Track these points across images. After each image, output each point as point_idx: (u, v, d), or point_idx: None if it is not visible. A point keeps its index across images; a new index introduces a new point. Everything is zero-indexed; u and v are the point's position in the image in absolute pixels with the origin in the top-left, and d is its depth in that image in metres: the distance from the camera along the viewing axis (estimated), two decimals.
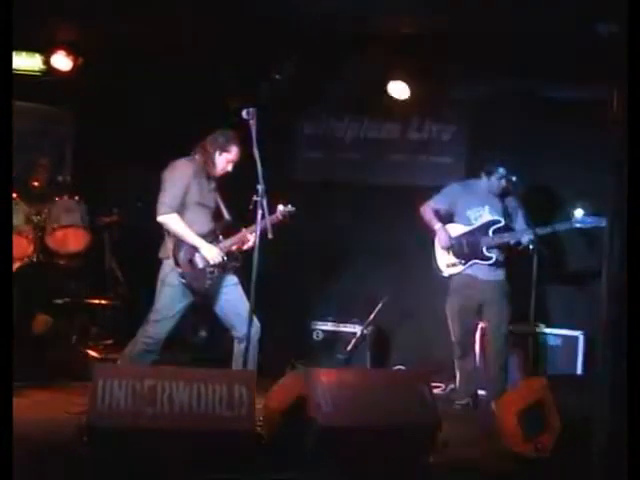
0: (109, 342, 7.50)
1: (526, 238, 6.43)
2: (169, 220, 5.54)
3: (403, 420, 4.70)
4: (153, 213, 5.58)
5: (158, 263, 5.66)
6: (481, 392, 6.74)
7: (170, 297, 5.61)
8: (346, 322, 7.67)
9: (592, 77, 5.61)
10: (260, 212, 5.30)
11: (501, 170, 6.61)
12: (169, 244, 5.58)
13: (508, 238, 6.59)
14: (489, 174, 6.67)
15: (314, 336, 7.67)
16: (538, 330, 6.94)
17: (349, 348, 7.43)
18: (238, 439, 4.34)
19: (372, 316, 7.48)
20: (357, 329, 7.52)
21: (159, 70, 7.50)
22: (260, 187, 5.28)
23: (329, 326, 7.69)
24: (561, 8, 5.76)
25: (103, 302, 7.77)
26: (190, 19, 6.65)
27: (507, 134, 7.50)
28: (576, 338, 7.02)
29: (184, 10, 6.48)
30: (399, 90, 7.58)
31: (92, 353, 7.16)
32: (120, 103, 7.78)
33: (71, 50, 7.47)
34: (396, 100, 7.67)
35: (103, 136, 7.95)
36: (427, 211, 6.84)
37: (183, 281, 5.54)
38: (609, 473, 3.06)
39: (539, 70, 6.95)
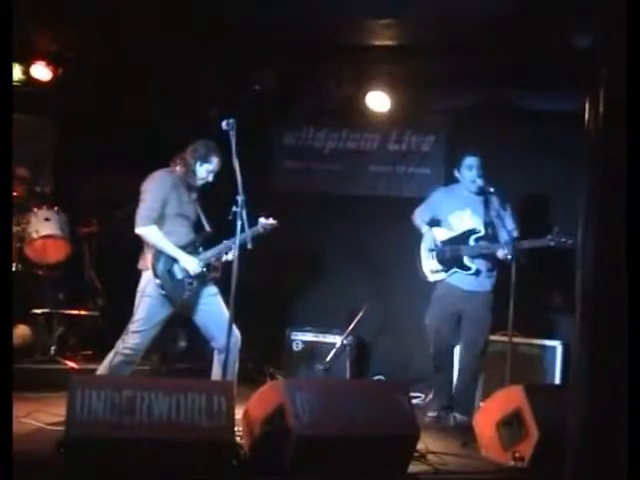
0: (88, 353, 7.47)
1: (501, 253, 6.40)
2: (147, 232, 5.54)
3: (381, 430, 4.72)
4: (132, 224, 5.58)
5: (137, 274, 5.65)
6: None
7: (149, 308, 5.58)
8: (326, 332, 7.65)
9: (573, 87, 5.67)
10: (240, 223, 5.30)
11: (468, 160, 6.58)
12: (148, 255, 5.57)
13: (486, 250, 6.54)
14: (459, 168, 6.67)
15: (294, 346, 7.66)
16: (516, 340, 6.94)
17: (329, 358, 7.42)
18: (217, 449, 4.34)
19: (352, 326, 7.47)
20: (337, 339, 7.51)
21: (139, 81, 7.49)
22: (240, 198, 5.28)
23: (309, 336, 7.68)
24: (543, 18, 5.80)
25: (82, 313, 7.73)
26: (170, 29, 6.65)
27: (486, 145, 7.52)
28: (554, 348, 7.05)
29: (164, 20, 6.48)
30: (378, 101, 7.61)
31: (70, 364, 7.13)
32: (100, 114, 7.77)
33: (51, 60, 7.44)
34: (375, 111, 7.71)
35: (83, 147, 7.94)
36: (416, 216, 6.85)
37: (162, 292, 5.53)
38: None
39: (520, 80, 6.99)
